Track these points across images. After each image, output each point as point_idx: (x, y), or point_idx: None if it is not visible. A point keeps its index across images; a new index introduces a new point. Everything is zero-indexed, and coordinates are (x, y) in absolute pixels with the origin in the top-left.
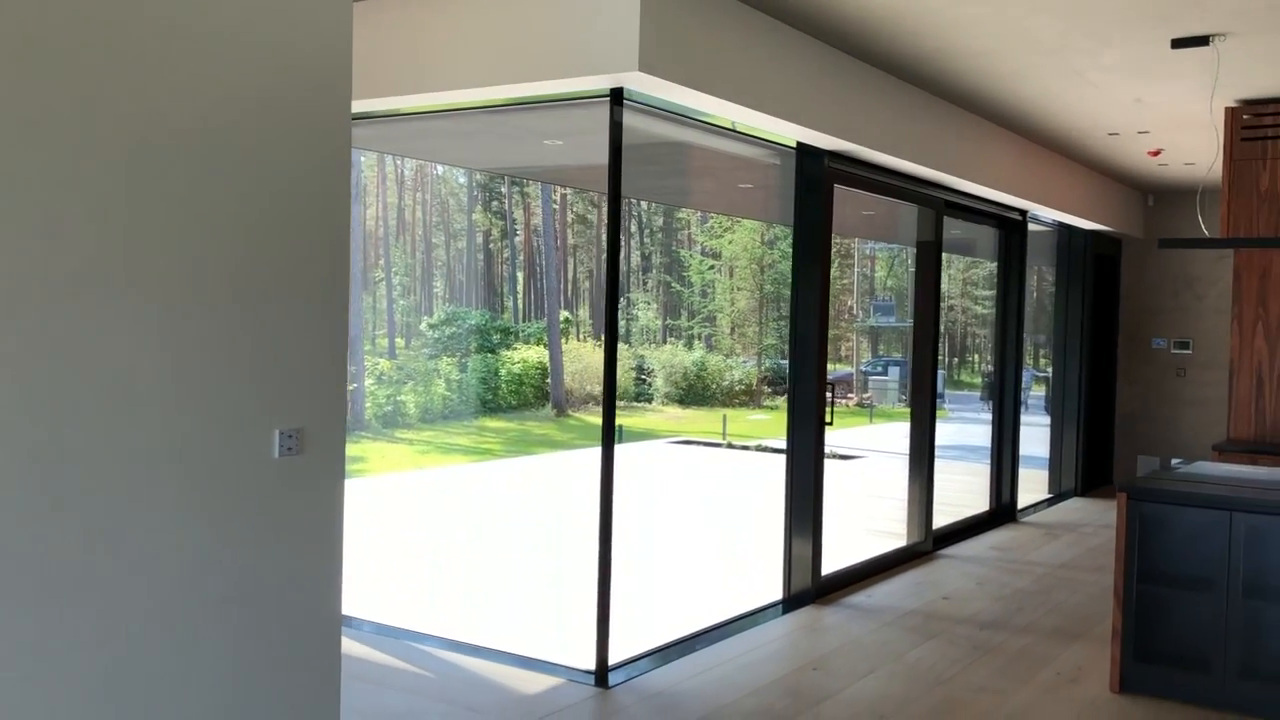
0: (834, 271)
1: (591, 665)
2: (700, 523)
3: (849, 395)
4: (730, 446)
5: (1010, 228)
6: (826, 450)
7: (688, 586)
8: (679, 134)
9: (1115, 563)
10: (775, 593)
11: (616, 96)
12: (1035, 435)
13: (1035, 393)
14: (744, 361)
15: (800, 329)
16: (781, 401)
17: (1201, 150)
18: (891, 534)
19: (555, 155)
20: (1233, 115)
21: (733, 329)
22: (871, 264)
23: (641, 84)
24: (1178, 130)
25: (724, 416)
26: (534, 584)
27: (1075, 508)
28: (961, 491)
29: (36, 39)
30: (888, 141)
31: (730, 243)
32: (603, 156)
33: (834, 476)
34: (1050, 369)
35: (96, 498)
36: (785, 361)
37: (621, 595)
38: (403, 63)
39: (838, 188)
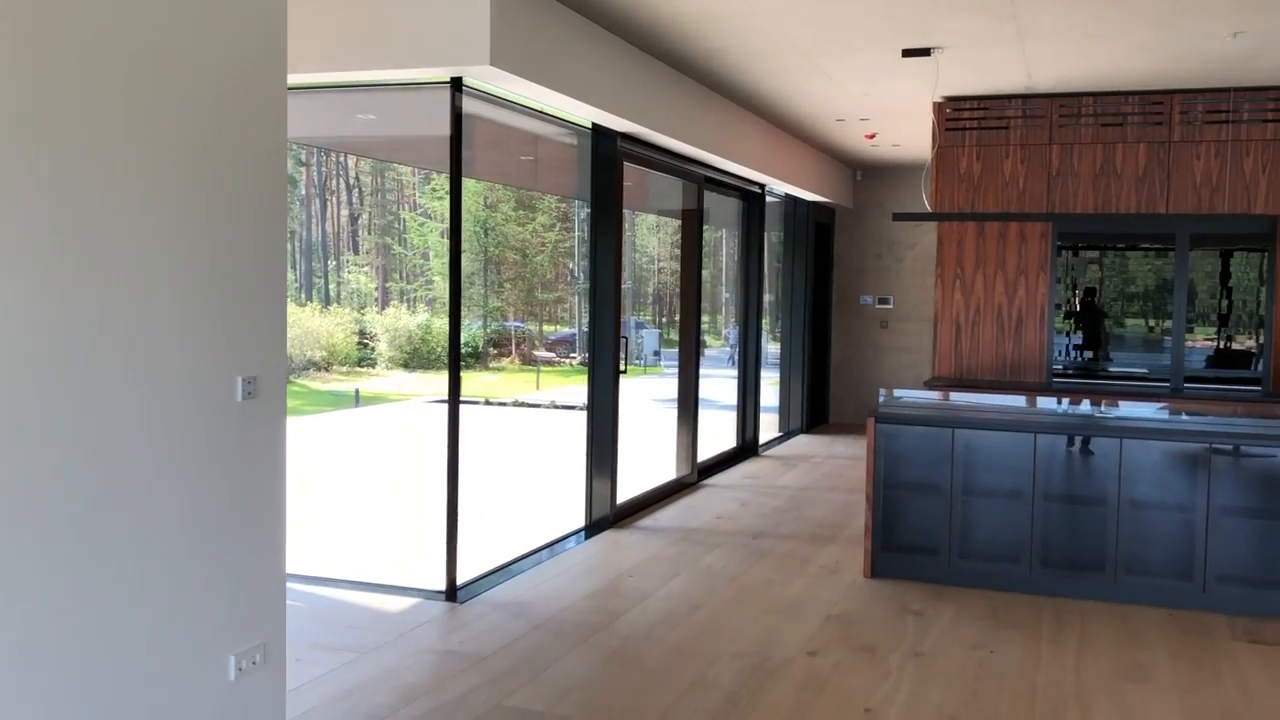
0: (556, 235)
1: (442, 586)
2: (496, 467)
3: (572, 355)
4: (489, 404)
5: (751, 199)
6: (582, 404)
7: (501, 521)
8: (494, 114)
9: (866, 473)
10: (579, 521)
11: (456, 84)
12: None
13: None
14: (469, 324)
15: (599, 293)
16: (507, 362)
17: (908, 135)
18: (660, 469)
19: (368, 129)
20: (940, 110)
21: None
22: (589, 227)
23: (486, 75)
24: (893, 119)
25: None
26: (362, 524)
27: (804, 442)
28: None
29: None
30: (667, 125)
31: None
32: (417, 130)
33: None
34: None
35: (85, 438)
36: (510, 323)
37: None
38: None
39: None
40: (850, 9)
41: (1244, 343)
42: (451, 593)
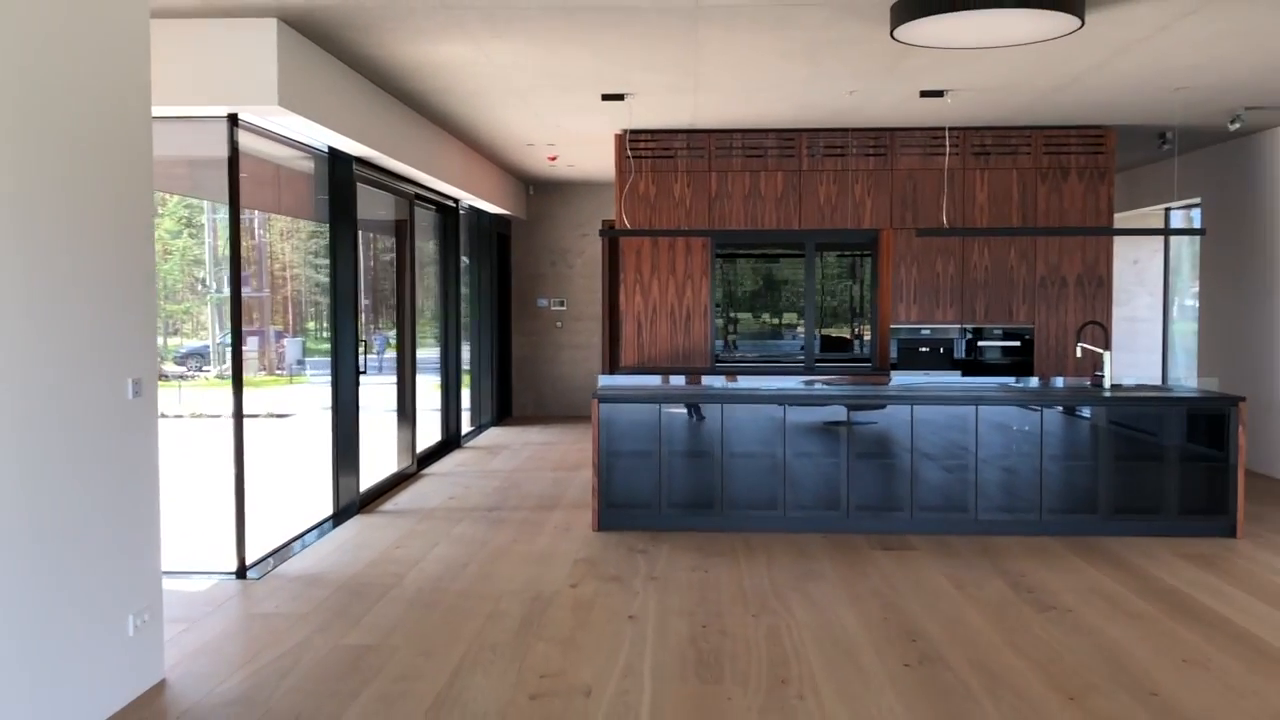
0: (184, 243)
1: (233, 567)
2: (219, 471)
3: (206, 368)
4: (164, 417)
5: (447, 212)
6: (266, 413)
7: (258, 512)
8: (251, 144)
9: (591, 443)
10: (326, 510)
11: (233, 119)
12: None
13: (390, 354)
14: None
15: (339, 303)
16: (200, 378)
17: (585, 157)
18: (377, 465)
19: None
20: (620, 140)
21: None
22: (215, 233)
23: (268, 112)
24: (578, 145)
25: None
26: None
27: (498, 433)
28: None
29: None
30: (392, 149)
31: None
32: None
33: (289, 432)
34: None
35: (18, 435)
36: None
37: (214, 521)
38: None
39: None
40: (566, 62)
41: (843, 331)
42: (242, 571)
